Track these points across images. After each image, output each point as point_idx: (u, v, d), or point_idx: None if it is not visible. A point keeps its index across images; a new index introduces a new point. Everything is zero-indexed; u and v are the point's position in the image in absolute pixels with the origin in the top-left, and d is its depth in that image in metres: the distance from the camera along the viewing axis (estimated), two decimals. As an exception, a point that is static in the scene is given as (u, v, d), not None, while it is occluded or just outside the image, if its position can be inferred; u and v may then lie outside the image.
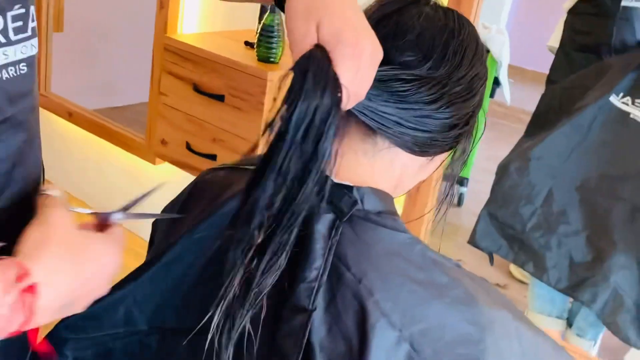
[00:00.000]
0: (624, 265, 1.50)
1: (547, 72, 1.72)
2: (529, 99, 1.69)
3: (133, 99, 2.19)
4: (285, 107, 0.48)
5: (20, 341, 0.58)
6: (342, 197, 0.55)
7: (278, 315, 0.55)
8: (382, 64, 0.53)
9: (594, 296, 1.51)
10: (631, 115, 1.57)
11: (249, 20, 1.64)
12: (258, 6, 1.54)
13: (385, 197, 0.58)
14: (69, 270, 0.46)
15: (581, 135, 1.61)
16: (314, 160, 0.49)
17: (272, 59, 1.38)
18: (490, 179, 1.63)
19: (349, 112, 0.54)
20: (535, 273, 1.58)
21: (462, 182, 2.34)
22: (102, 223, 0.55)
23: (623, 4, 1.55)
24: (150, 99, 1.77)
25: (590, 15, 1.67)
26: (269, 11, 1.39)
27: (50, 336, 0.65)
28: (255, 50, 1.41)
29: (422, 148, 0.58)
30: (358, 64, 0.48)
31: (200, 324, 0.55)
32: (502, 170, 1.64)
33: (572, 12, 1.68)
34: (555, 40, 1.71)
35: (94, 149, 2.12)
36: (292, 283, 0.54)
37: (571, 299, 1.72)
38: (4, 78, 0.53)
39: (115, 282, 0.66)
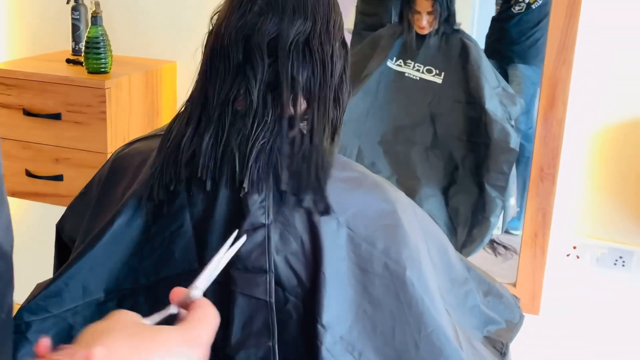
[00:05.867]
0: (431, 194, 1.81)
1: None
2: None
3: None
4: None
5: None
6: None
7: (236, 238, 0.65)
8: (281, 40, 0.67)
9: (414, 226, 1.80)
10: (406, 74, 1.88)
11: (57, 43, 1.65)
12: (66, 27, 1.57)
13: None
14: (131, 354, 0.44)
15: (372, 98, 1.89)
16: None
17: (102, 69, 1.43)
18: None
19: None
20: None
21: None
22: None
23: (398, -15, 1.86)
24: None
25: (373, -2, 1.95)
26: (90, 24, 1.43)
27: (15, 323, 0.68)
28: (83, 64, 1.44)
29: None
30: None
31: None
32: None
33: (359, -3, 1.96)
34: (350, 23, 1.97)
35: None
36: (244, 209, 0.66)
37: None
38: None
39: (71, 258, 0.72)
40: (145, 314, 0.71)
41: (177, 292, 0.52)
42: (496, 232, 1.81)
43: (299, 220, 0.68)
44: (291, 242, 0.68)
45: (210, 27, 0.73)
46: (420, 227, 0.79)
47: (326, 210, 0.69)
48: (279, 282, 0.68)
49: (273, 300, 0.66)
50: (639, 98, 1.34)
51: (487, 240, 1.76)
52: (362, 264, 0.69)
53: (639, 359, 1.44)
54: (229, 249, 0.58)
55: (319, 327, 0.66)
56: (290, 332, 0.68)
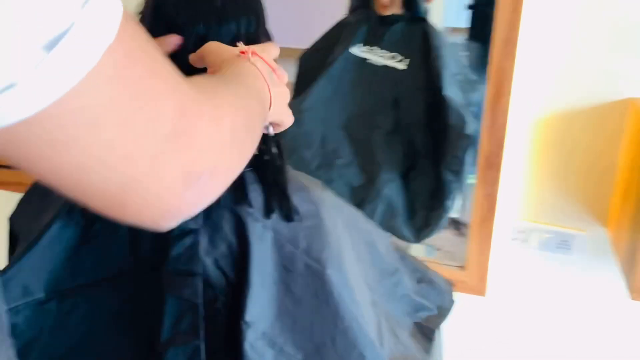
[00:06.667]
0: (390, 179, 1.86)
1: (302, 47, 2.00)
2: (290, 72, 1.97)
3: None
4: None
5: None
6: None
7: (165, 243, 0.72)
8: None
9: (373, 210, 1.84)
10: (368, 60, 1.92)
11: None
12: None
13: None
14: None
15: (336, 84, 1.93)
16: None
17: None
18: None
19: None
20: (326, 203, 1.89)
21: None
22: None
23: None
24: None
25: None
26: None
27: None
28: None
29: None
30: None
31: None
32: (282, 127, 1.92)
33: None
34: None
35: None
36: None
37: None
38: None
39: (12, 258, 0.77)
40: (85, 313, 0.77)
41: None
42: (456, 214, 1.87)
43: (227, 225, 0.74)
44: (220, 245, 0.74)
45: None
46: (346, 224, 0.85)
47: (293, 213, 0.75)
48: (209, 283, 0.74)
49: (200, 301, 0.71)
50: (580, 89, 1.40)
51: (444, 223, 1.82)
52: (285, 264, 0.75)
53: (580, 338, 1.53)
54: None
55: (243, 324, 0.72)
56: (220, 328, 0.74)
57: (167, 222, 0.47)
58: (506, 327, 1.57)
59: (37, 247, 0.75)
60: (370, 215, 1.85)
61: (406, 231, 1.85)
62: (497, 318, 1.57)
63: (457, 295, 1.52)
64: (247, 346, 0.71)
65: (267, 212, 0.74)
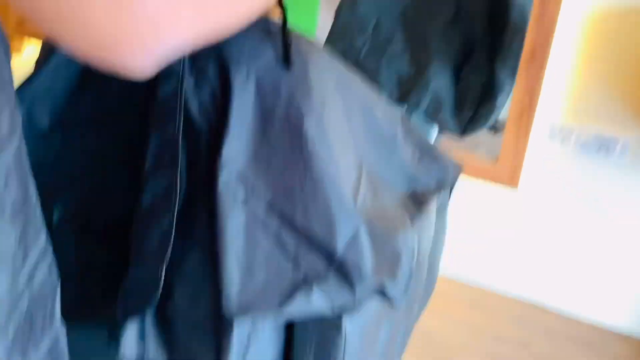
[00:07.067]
0: (440, 71, 1.83)
1: None
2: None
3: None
4: None
5: None
6: None
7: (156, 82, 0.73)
8: None
9: (418, 100, 1.83)
10: (434, -55, 1.84)
11: None
12: None
13: None
14: None
15: (397, -31, 1.87)
16: None
17: None
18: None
19: None
20: (372, 92, 1.89)
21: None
22: None
23: None
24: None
25: None
26: None
27: None
28: None
29: None
30: None
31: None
32: (338, 10, 1.90)
33: None
34: None
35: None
36: None
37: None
38: None
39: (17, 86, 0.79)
40: (85, 147, 0.82)
41: None
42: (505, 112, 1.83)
43: (212, 70, 0.76)
44: (204, 89, 0.76)
45: None
46: (340, 86, 0.85)
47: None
48: (192, 125, 0.77)
49: (180, 135, 0.75)
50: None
51: (492, 119, 1.79)
52: (265, 113, 0.76)
53: (610, 238, 1.50)
54: None
55: (218, 162, 0.75)
56: (201, 169, 0.78)
57: (127, 57, 0.41)
58: (535, 220, 1.56)
59: (41, 74, 0.78)
60: (415, 104, 1.84)
61: (452, 124, 1.83)
62: (527, 211, 1.56)
63: (478, 182, 1.51)
64: (221, 183, 0.75)
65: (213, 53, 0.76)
